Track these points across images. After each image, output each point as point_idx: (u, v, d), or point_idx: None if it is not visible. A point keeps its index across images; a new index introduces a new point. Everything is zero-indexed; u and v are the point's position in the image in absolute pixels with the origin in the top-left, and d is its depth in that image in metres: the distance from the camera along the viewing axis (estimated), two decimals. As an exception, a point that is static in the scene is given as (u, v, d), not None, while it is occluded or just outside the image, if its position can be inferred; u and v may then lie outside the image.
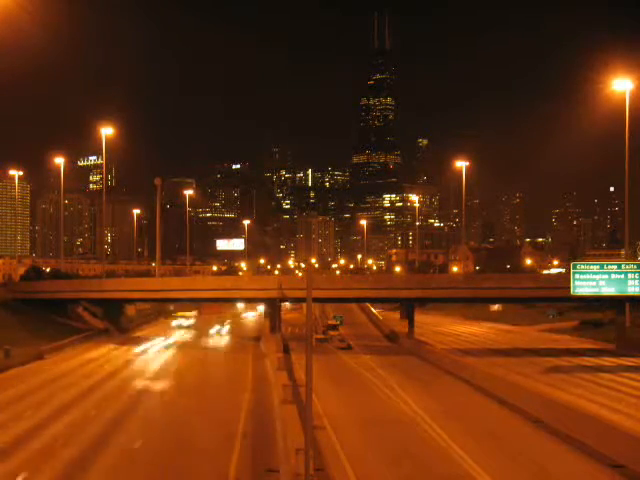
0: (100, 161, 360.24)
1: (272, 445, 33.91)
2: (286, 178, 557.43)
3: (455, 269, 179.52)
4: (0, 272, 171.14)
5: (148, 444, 35.56)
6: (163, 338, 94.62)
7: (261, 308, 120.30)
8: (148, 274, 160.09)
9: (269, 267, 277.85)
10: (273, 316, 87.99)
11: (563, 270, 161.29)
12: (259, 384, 53.59)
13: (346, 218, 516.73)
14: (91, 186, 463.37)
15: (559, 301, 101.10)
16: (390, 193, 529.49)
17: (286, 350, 73.36)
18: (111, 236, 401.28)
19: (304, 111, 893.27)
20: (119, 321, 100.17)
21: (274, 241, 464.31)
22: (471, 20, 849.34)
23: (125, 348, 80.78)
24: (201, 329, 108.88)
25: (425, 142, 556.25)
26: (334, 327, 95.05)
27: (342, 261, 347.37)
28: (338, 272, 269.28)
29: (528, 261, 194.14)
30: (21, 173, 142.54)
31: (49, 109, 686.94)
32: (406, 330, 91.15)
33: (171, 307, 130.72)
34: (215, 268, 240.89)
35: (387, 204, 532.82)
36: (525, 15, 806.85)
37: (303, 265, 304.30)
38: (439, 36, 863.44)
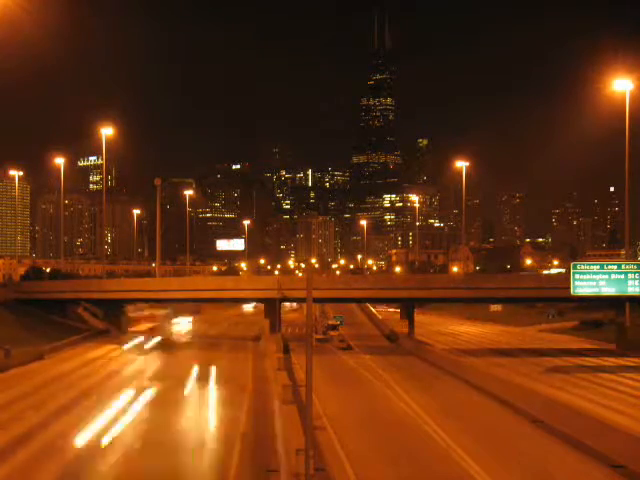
0: (100, 161, 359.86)
1: (272, 445, 33.87)
2: (286, 178, 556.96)
3: (455, 269, 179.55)
4: (0, 272, 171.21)
5: (148, 443, 35.58)
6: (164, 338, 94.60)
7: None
8: (148, 274, 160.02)
9: (269, 267, 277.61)
10: (273, 316, 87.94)
11: (563, 270, 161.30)
12: (259, 384, 53.55)
13: (346, 218, 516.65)
14: (91, 186, 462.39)
15: (559, 301, 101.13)
16: (390, 193, 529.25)
17: (286, 350, 73.40)
18: (111, 236, 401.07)
19: (304, 111, 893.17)
20: (119, 321, 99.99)
21: (274, 241, 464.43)
22: (471, 20, 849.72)
23: (125, 348, 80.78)
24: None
25: (425, 142, 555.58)
26: (334, 327, 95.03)
27: (342, 261, 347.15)
28: (338, 272, 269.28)
29: (528, 261, 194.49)
30: (21, 173, 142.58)
31: (49, 109, 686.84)
32: (406, 330, 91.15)
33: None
34: (215, 268, 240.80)
35: (387, 204, 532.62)
36: (525, 15, 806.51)
37: (303, 265, 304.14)
38: (439, 36, 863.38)
